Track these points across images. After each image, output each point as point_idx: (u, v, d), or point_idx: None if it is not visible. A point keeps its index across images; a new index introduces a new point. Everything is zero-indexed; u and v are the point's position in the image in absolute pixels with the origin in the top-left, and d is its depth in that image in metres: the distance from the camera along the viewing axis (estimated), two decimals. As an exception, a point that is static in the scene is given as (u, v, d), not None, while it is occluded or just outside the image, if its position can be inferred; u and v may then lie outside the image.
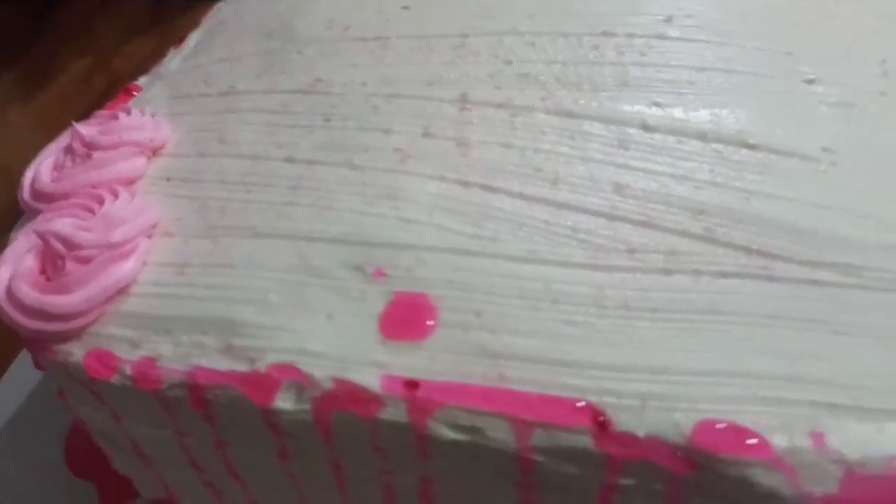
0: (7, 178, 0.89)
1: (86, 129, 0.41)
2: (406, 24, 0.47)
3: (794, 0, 0.47)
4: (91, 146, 0.41)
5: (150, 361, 0.34)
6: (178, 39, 0.54)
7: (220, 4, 0.59)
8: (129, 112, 0.43)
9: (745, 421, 0.29)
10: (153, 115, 0.45)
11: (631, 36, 0.43)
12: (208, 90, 0.46)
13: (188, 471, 0.40)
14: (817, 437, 0.28)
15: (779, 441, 0.28)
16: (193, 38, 0.54)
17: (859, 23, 0.46)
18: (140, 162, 0.41)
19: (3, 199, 0.85)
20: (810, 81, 0.41)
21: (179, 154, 0.42)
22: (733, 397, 0.29)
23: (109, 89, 1.03)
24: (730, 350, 0.30)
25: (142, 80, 0.51)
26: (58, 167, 0.41)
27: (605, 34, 0.44)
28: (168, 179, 0.40)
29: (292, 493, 0.38)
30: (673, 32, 0.43)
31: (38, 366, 0.38)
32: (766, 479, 0.28)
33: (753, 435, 0.28)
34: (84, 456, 0.47)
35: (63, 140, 0.43)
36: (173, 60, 0.51)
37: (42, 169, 0.41)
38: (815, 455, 0.28)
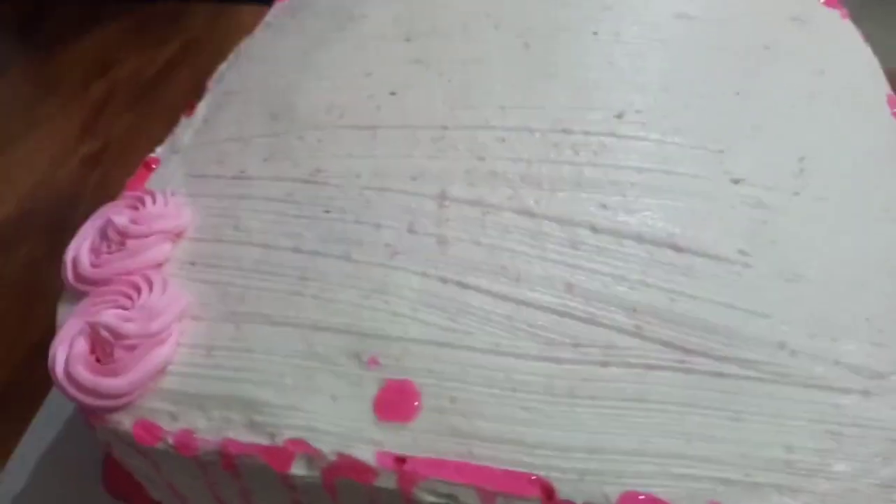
0: (11, 189, 0.95)
1: (118, 217, 0.48)
2: (393, 113, 0.53)
3: (730, 94, 0.54)
4: (124, 234, 0.48)
5: (189, 433, 0.41)
6: (189, 106, 0.60)
7: (221, 68, 0.65)
8: (154, 198, 0.50)
9: (660, 492, 0.37)
10: (173, 194, 0.52)
11: (586, 133, 0.50)
12: (221, 171, 0.53)
13: (215, 505, 0.48)
14: (714, 506, 0.37)
15: (684, 509, 0.37)
16: (202, 108, 0.60)
17: (786, 117, 0.53)
18: (167, 247, 0.48)
19: (6, 209, 0.91)
20: (736, 181, 0.48)
21: (200, 239, 0.49)
22: (651, 473, 0.38)
23: (108, 97, 1.08)
24: (650, 433, 0.39)
25: (158, 152, 0.57)
26: (94, 250, 0.48)
27: (565, 131, 0.51)
28: (193, 264, 0.48)
29: (303, 526, 0.47)
30: (623, 130, 0.51)
31: (89, 426, 0.46)
32: (674, 536, 0.36)
33: (665, 504, 0.37)
34: (121, 479, 0.55)
35: (96, 220, 0.50)
36: (186, 132, 0.58)
37: (82, 253, 0.48)
38: (712, 520, 0.36)
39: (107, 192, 0.57)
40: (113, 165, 0.96)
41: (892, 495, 0.37)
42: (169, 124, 0.59)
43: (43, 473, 0.59)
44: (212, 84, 0.63)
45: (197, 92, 0.62)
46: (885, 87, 0.59)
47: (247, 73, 0.62)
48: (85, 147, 1.00)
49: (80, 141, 1.01)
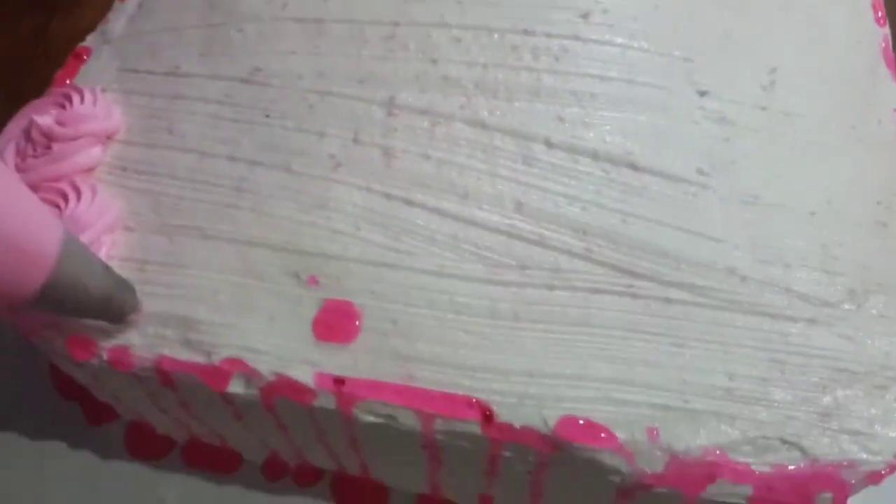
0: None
1: (43, 117, 0.45)
2: (341, 5, 0.49)
3: (704, -6, 0.50)
4: (50, 137, 0.44)
5: (124, 349, 0.40)
6: (121, -10, 0.55)
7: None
8: (82, 95, 0.46)
9: (598, 417, 0.37)
10: (103, 91, 0.48)
11: (548, 36, 0.47)
12: (154, 66, 0.49)
13: (159, 414, 0.48)
14: (652, 431, 0.37)
15: (622, 434, 0.37)
16: (136, -8, 0.55)
17: (761, 22, 0.50)
18: (96, 151, 0.45)
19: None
20: (702, 93, 0.46)
21: (132, 142, 0.46)
22: (590, 398, 0.37)
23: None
24: (591, 358, 0.38)
25: (89, 40, 0.53)
26: (20, 154, 0.45)
27: (526, 32, 0.47)
28: (124, 170, 0.45)
29: (247, 435, 0.47)
30: (587, 33, 0.47)
31: (26, 340, 0.44)
32: (610, 461, 0.36)
33: (603, 430, 0.37)
34: (69, 381, 0.54)
35: (21, 121, 0.47)
36: (118, 19, 0.53)
37: (7, 156, 0.45)
38: (648, 445, 0.37)
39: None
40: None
41: (830, 424, 0.38)
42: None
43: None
44: (147, -36, 0.57)
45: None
46: (872, -12, 0.56)
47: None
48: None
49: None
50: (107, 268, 0.38)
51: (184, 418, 0.47)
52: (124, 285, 0.39)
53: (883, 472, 0.38)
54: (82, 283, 0.35)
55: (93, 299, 0.36)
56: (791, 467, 0.37)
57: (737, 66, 0.47)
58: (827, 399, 0.38)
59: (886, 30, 0.53)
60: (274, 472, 0.52)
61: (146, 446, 0.53)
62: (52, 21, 0.87)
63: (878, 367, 0.39)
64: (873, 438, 0.37)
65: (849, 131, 0.47)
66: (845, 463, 0.37)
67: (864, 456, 0.37)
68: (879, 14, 0.54)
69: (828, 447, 0.37)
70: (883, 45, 0.52)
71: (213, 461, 0.52)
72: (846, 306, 0.40)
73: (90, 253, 0.38)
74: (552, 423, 0.37)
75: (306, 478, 0.51)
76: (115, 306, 0.38)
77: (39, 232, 0.33)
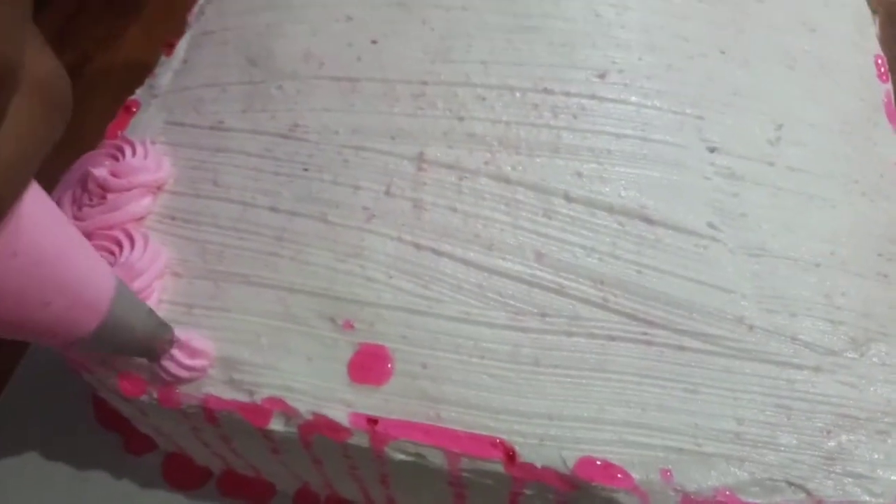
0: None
1: (98, 169, 0.48)
2: (373, 64, 0.53)
3: (715, 52, 0.53)
4: (105, 188, 0.48)
5: (171, 387, 0.43)
6: (167, 45, 0.59)
7: (201, 2, 0.63)
8: (134, 148, 0.50)
9: (614, 459, 0.40)
10: (153, 143, 0.51)
11: (567, 95, 0.50)
12: (199, 121, 0.52)
13: (199, 446, 0.51)
14: (665, 473, 0.39)
15: (637, 475, 0.39)
16: (182, 47, 0.59)
17: (767, 80, 0.53)
18: (147, 201, 0.49)
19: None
20: (712, 149, 0.49)
21: (179, 192, 0.49)
22: (607, 440, 0.40)
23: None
24: (607, 402, 0.41)
25: (138, 93, 0.57)
26: (77, 203, 0.48)
27: (545, 91, 0.50)
28: (173, 218, 0.48)
29: (281, 468, 0.49)
30: (603, 91, 0.50)
31: (76, 373, 0.47)
32: (626, 500, 0.39)
33: (619, 470, 0.39)
34: (111, 412, 0.57)
35: (77, 171, 0.50)
36: (165, 74, 0.57)
37: (64, 205, 0.48)
38: (662, 486, 0.39)
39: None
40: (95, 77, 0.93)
41: (834, 467, 0.40)
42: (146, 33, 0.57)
43: (38, 401, 0.61)
44: (191, 19, 0.62)
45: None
46: (875, 46, 0.58)
47: (225, 9, 0.60)
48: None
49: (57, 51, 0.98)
50: (150, 311, 0.41)
51: (222, 451, 0.50)
52: (164, 326, 0.42)
53: (885, 514, 0.40)
54: (129, 325, 0.38)
55: (136, 340, 0.39)
56: (797, 508, 0.39)
57: (745, 123, 0.50)
58: (831, 443, 0.40)
59: (889, 86, 0.56)
60: (305, 503, 0.55)
61: (183, 476, 0.56)
62: (91, 56, 0.92)
63: (880, 412, 0.41)
64: (875, 482, 0.40)
65: (851, 185, 0.49)
66: (849, 504, 0.39)
67: (867, 498, 0.39)
68: (882, 70, 0.57)
69: (832, 489, 0.39)
70: (885, 100, 0.55)
71: (247, 491, 0.55)
72: (849, 354, 0.43)
73: (136, 297, 0.41)
74: (571, 463, 0.39)
75: (335, 509, 0.54)
76: (155, 346, 0.41)
77: (95, 279, 0.36)
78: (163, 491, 0.56)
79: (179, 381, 0.43)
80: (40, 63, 0.25)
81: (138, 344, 0.40)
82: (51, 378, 0.62)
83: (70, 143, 0.51)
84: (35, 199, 0.30)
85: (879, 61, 0.57)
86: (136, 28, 0.95)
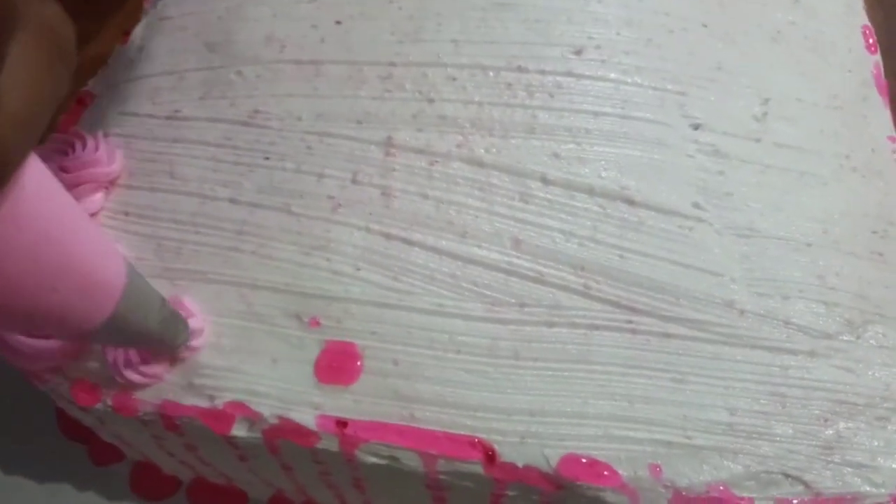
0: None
1: (45, 164, 0.45)
2: (338, 46, 0.50)
3: (697, 26, 0.51)
4: (52, 184, 0.45)
5: (128, 395, 0.41)
6: (124, 34, 0.56)
7: (160, -12, 0.60)
8: (84, 141, 0.47)
9: (600, 455, 0.37)
10: (105, 136, 0.48)
11: (542, 73, 0.47)
12: (155, 110, 0.49)
13: (165, 455, 0.48)
14: (654, 468, 0.37)
15: (625, 472, 0.37)
16: (138, 35, 0.55)
17: (752, 54, 0.50)
18: (98, 196, 0.46)
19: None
20: (695, 127, 0.46)
21: (133, 186, 0.46)
22: (592, 436, 0.38)
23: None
24: (592, 395, 0.38)
25: (91, 84, 0.54)
26: (24, 200, 0.45)
27: (520, 69, 0.48)
28: (126, 214, 0.45)
29: (252, 475, 0.47)
30: (580, 69, 0.48)
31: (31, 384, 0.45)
32: (614, 499, 0.37)
33: (605, 467, 0.37)
34: (74, 422, 0.54)
35: (24, 167, 0.47)
36: (120, 63, 0.54)
37: (10, 203, 0.45)
38: (651, 483, 0.37)
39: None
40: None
41: (833, 457, 0.38)
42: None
43: (0, 413, 0.58)
44: (148, 5, 0.58)
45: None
46: (862, 16, 0.56)
47: (185, -7, 0.57)
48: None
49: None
50: (163, 300, 0.38)
51: (189, 460, 0.47)
52: (178, 317, 0.39)
53: (887, 504, 0.38)
54: (143, 313, 0.35)
55: (150, 329, 0.36)
56: (795, 501, 0.37)
57: (729, 99, 0.48)
58: (829, 432, 0.38)
59: (877, 57, 0.54)
60: (279, 511, 0.52)
61: (152, 486, 0.53)
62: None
63: (879, 398, 0.39)
64: (876, 471, 0.38)
65: (842, 160, 0.47)
66: (849, 496, 0.37)
67: (868, 488, 0.37)
68: (870, 41, 0.55)
69: (831, 480, 0.37)
70: (874, 72, 0.53)
71: (218, 500, 0.52)
72: (845, 337, 0.41)
73: (149, 285, 0.37)
74: (554, 462, 0.37)
75: (311, 516, 0.52)
76: (168, 337, 0.38)
77: (106, 262, 0.33)
78: (131, 502, 0.53)
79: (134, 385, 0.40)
80: (47, 8, 0.23)
81: (151, 334, 0.37)
82: (13, 388, 0.59)
83: (41, 142, 0.49)
84: (38, 171, 0.27)
85: (867, 32, 0.55)
86: (112, 27, 0.92)
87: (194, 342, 0.40)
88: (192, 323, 0.40)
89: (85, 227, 0.31)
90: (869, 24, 0.56)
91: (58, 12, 0.24)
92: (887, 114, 0.51)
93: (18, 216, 0.25)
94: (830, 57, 0.53)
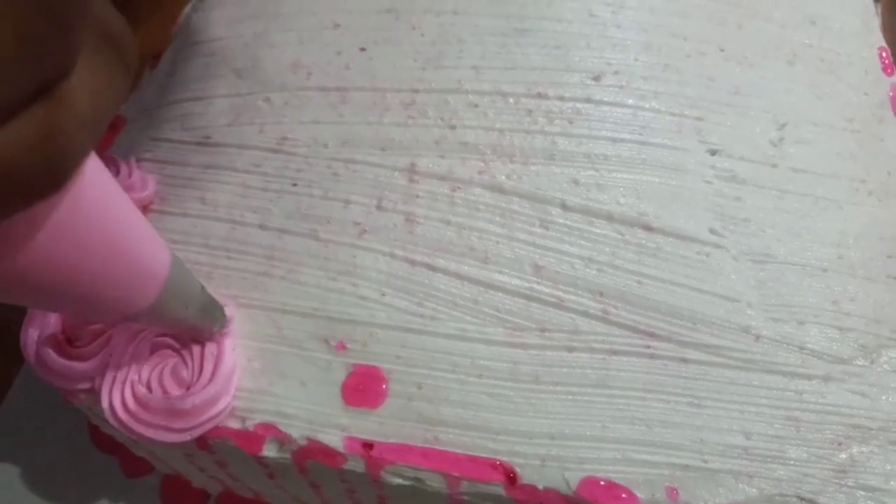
0: None
1: (82, 190, 0.47)
2: (363, 73, 0.51)
3: (715, 50, 0.52)
4: (89, 209, 0.47)
5: (162, 417, 0.42)
6: (153, 57, 0.58)
7: (187, 10, 0.61)
8: (118, 168, 0.49)
9: (619, 478, 0.38)
10: (138, 161, 0.50)
11: (561, 99, 0.49)
12: (186, 136, 0.51)
13: (195, 470, 0.49)
14: (672, 491, 0.38)
15: (643, 494, 0.38)
16: (167, 60, 0.57)
17: (769, 78, 0.51)
18: (133, 221, 0.47)
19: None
20: (713, 152, 0.47)
21: (166, 211, 0.48)
22: (611, 459, 0.39)
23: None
24: (611, 419, 0.40)
25: (124, 109, 0.55)
26: (61, 225, 0.47)
27: (539, 96, 0.49)
28: (159, 239, 0.47)
29: (280, 491, 0.48)
30: (599, 95, 0.49)
31: (66, 402, 0.46)
32: (631, 520, 0.38)
33: (624, 490, 0.38)
34: (107, 434, 0.56)
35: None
36: (150, 88, 0.56)
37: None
38: (668, 505, 0.38)
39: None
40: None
41: (846, 480, 0.39)
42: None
43: (35, 426, 0.60)
44: (176, 30, 0.60)
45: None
46: (878, 38, 0.57)
47: (212, 19, 0.58)
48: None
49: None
50: (202, 288, 0.39)
51: (219, 475, 0.49)
52: (216, 305, 0.41)
53: (901, 528, 0.38)
54: (183, 300, 0.37)
55: (190, 314, 0.38)
56: (809, 524, 0.38)
57: (746, 123, 0.49)
58: (843, 456, 0.39)
59: (894, 78, 0.54)
60: (305, 524, 0.53)
61: (181, 498, 0.55)
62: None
63: (893, 422, 0.40)
64: (890, 494, 0.38)
65: (858, 184, 0.48)
66: (863, 519, 0.38)
67: (882, 512, 0.38)
68: (887, 62, 0.55)
69: (845, 503, 0.38)
70: (891, 94, 0.54)
71: (246, 513, 0.54)
72: (859, 362, 0.41)
73: (190, 273, 0.39)
74: (574, 484, 0.38)
75: (336, 529, 0.53)
76: (207, 323, 0.40)
77: (154, 252, 0.34)
78: (161, 513, 0.55)
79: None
80: (111, 17, 0.25)
81: (192, 318, 0.38)
82: (47, 402, 0.61)
83: None
84: (95, 164, 0.28)
85: (884, 54, 0.55)
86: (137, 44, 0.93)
87: (229, 328, 0.42)
88: (228, 311, 0.42)
89: (134, 217, 0.32)
90: (885, 45, 0.56)
91: (122, 22, 0.25)
92: (904, 136, 0.51)
93: (79, 205, 0.27)
94: (846, 79, 0.53)
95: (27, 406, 0.60)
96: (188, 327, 0.39)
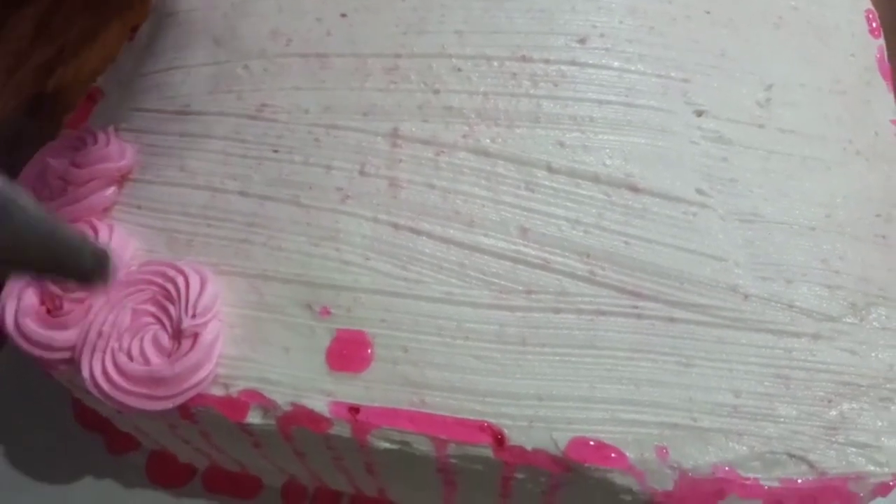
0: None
1: (58, 160, 0.46)
2: (343, 39, 0.50)
3: (701, 13, 0.51)
4: (66, 179, 0.46)
5: (144, 384, 0.41)
6: (131, 30, 0.57)
7: (166, -17, 0.60)
8: (95, 137, 0.48)
9: (607, 438, 0.38)
10: (116, 131, 0.49)
11: (546, 62, 0.48)
12: (164, 105, 0.50)
13: (180, 443, 0.49)
14: (661, 450, 0.38)
15: (632, 454, 0.38)
16: (145, 31, 0.56)
17: (755, 40, 0.51)
18: (111, 190, 0.46)
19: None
20: (699, 113, 0.47)
21: (145, 180, 0.47)
22: (599, 419, 0.38)
23: None
24: (598, 380, 0.39)
25: (100, 81, 0.54)
26: (37, 196, 0.46)
27: (524, 59, 0.48)
28: (139, 208, 0.46)
29: (266, 462, 0.48)
30: (584, 57, 0.48)
31: (46, 375, 0.45)
32: (621, 480, 0.37)
33: (613, 450, 0.38)
34: (90, 412, 0.55)
35: (36, 165, 0.48)
36: (128, 60, 0.55)
37: (24, 199, 0.46)
38: (658, 464, 0.37)
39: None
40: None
41: (837, 437, 0.38)
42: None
43: (18, 404, 0.59)
44: (155, 1, 0.59)
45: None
46: (866, 1, 0.56)
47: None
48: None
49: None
50: (56, 221, 0.32)
51: (204, 447, 0.48)
52: (80, 246, 0.33)
53: (891, 484, 0.38)
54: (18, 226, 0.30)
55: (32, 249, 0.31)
56: (799, 481, 0.38)
57: (733, 85, 0.48)
58: (833, 413, 0.39)
59: (881, 41, 0.54)
60: (293, 497, 0.53)
61: (168, 474, 0.55)
62: (70, 51, 0.89)
63: (883, 379, 0.40)
64: (880, 450, 0.38)
65: (846, 145, 0.47)
66: (853, 475, 0.38)
67: (872, 468, 0.38)
68: (874, 25, 0.55)
69: (835, 460, 0.38)
70: (878, 56, 0.53)
71: (233, 487, 0.54)
72: (849, 320, 0.41)
73: (36, 207, 0.31)
74: (563, 444, 0.38)
75: (325, 501, 0.52)
76: (78, 265, 0.33)
77: None
78: (148, 490, 0.55)
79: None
80: None
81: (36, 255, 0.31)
82: (32, 379, 0.60)
83: (51, 138, 0.50)
84: None
85: (870, 16, 0.55)
86: (117, 23, 0.92)
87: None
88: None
89: None
90: (872, 8, 0.56)
91: None
92: (891, 97, 0.51)
93: None
94: (833, 42, 0.53)
95: (11, 385, 0.60)
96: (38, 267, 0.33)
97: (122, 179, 0.48)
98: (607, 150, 0.45)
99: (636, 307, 0.41)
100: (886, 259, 0.43)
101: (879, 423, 0.39)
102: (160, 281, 0.42)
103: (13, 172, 0.46)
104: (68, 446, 0.57)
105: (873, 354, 0.40)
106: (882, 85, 0.52)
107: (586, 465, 0.37)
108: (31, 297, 0.43)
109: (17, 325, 0.42)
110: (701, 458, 0.38)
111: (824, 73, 0.51)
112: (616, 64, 0.48)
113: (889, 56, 0.54)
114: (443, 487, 0.43)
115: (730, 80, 0.49)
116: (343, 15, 0.52)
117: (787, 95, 0.49)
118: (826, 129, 0.48)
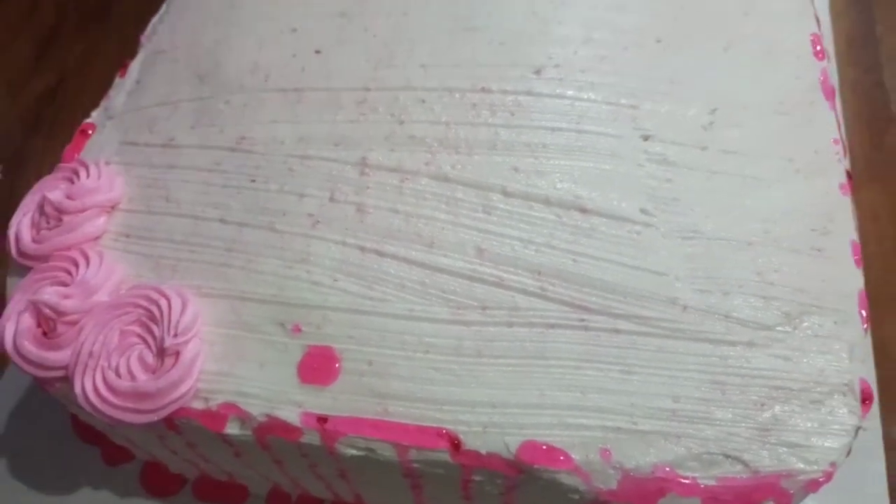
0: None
1: (53, 192, 0.50)
2: (318, 74, 0.54)
3: (652, 42, 0.55)
4: (61, 210, 0.49)
5: (131, 399, 0.45)
6: (122, 66, 0.61)
7: (153, 21, 0.64)
8: (88, 170, 0.51)
9: (556, 441, 0.41)
10: (107, 164, 0.53)
11: (504, 92, 0.52)
12: (152, 139, 0.54)
13: (170, 454, 0.52)
14: (605, 452, 0.41)
15: (578, 456, 0.41)
16: (135, 68, 0.60)
17: (703, 67, 0.54)
18: (102, 220, 0.50)
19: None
20: (646, 137, 0.50)
21: (133, 210, 0.51)
22: (548, 424, 0.41)
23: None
24: (548, 387, 0.42)
25: (94, 116, 0.58)
26: (35, 226, 0.50)
27: (483, 90, 0.52)
28: (127, 236, 0.50)
29: (249, 470, 0.51)
30: (539, 88, 0.52)
31: (44, 391, 0.49)
32: (569, 481, 0.40)
33: (561, 453, 0.41)
34: (87, 424, 0.59)
35: (35, 196, 0.52)
36: (119, 95, 0.58)
37: (22, 229, 0.50)
38: (602, 465, 0.40)
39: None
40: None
41: (769, 438, 0.41)
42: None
43: (17, 417, 0.63)
44: (144, 39, 0.63)
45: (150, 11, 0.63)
46: (812, 25, 0.59)
47: (176, 27, 0.62)
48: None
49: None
50: None
51: (192, 457, 0.52)
52: None
53: (820, 480, 0.41)
54: None
55: None
56: (735, 479, 0.41)
57: (679, 109, 0.52)
58: (766, 415, 0.42)
59: (824, 63, 0.57)
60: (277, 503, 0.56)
61: (160, 484, 0.58)
62: (69, 78, 0.93)
63: (813, 382, 0.43)
64: (810, 449, 0.41)
65: (786, 163, 0.50)
66: (785, 473, 0.40)
67: (802, 466, 0.41)
68: (818, 48, 0.58)
69: (768, 459, 0.41)
70: (821, 78, 0.56)
71: (221, 495, 0.57)
72: (782, 328, 0.44)
73: None
74: (514, 448, 0.41)
75: (307, 507, 0.56)
76: None
77: None
78: (142, 499, 0.58)
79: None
80: None
81: None
82: (32, 395, 0.64)
83: (55, 163, 0.53)
84: None
85: (815, 39, 0.58)
86: (111, 44, 0.96)
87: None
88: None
89: None
90: (818, 31, 0.59)
91: None
92: (832, 117, 0.54)
93: None
94: (779, 64, 0.56)
95: (11, 401, 0.63)
96: None
97: (112, 209, 0.51)
98: (558, 175, 0.48)
99: (583, 320, 0.44)
100: (821, 270, 0.46)
101: (809, 424, 0.41)
102: (145, 304, 0.45)
103: (14, 193, 0.50)
104: (67, 458, 0.60)
105: (805, 360, 0.43)
106: (825, 105, 0.55)
107: (536, 466, 0.40)
108: (27, 320, 0.46)
109: (15, 346, 0.46)
110: (642, 458, 0.41)
111: (770, 94, 0.54)
112: (569, 93, 0.52)
113: (843, 69, 0.57)
114: (411, 490, 0.46)
115: (677, 104, 0.52)
116: (317, 52, 0.56)
117: (732, 117, 0.52)
118: (768, 148, 0.51)
